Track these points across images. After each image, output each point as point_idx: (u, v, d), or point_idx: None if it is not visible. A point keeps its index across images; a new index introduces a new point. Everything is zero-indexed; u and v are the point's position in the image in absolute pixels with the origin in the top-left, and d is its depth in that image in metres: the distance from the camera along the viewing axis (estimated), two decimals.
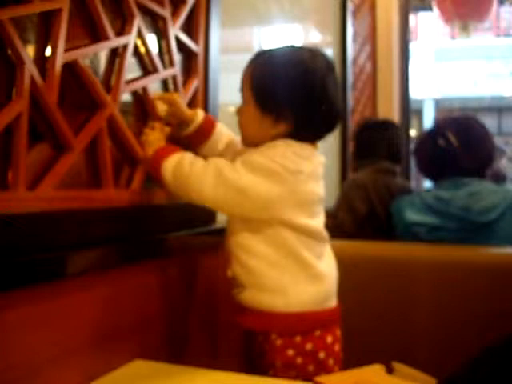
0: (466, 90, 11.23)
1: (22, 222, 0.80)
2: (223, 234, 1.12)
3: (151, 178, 1.09)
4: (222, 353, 1.38)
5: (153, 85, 1.18)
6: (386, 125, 2.29)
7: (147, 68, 1.17)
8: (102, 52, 1.04)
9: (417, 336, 1.50)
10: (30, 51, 0.85)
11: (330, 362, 1.05)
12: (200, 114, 1.17)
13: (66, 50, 0.91)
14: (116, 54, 1.07)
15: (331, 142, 2.68)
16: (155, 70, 1.18)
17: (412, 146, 2.08)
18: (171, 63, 1.24)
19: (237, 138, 1.18)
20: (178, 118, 1.15)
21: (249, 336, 1.11)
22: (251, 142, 1.08)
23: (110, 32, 1.03)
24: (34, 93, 0.84)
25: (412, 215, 1.69)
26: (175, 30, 1.25)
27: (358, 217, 2.00)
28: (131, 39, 1.09)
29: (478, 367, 0.95)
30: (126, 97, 1.11)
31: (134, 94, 1.14)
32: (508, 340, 0.92)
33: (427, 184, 1.95)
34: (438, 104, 11.75)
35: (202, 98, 1.35)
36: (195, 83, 1.33)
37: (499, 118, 12.28)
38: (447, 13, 4.57)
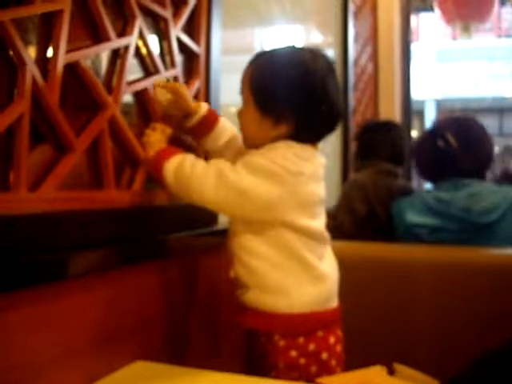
0: (467, 90, 11.22)
1: (23, 223, 0.80)
2: (225, 235, 1.11)
3: (152, 179, 1.09)
4: (224, 354, 1.38)
5: None
6: (389, 126, 2.28)
7: (149, 69, 1.17)
8: (104, 53, 1.04)
9: (417, 337, 1.50)
10: (31, 52, 0.85)
11: (333, 362, 1.05)
12: (204, 106, 1.16)
13: (68, 51, 0.91)
14: (117, 55, 1.07)
15: (333, 142, 2.68)
16: (157, 71, 1.18)
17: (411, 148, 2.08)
18: (173, 64, 1.24)
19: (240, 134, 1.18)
20: (181, 109, 1.15)
21: (251, 337, 1.10)
22: (252, 143, 1.08)
23: (112, 33, 1.03)
24: (35, 94, 0.84)
25: (413, 217, 1.69)
26: (177, 31, 1.25)
27: (357, 218, 2.00)
28: (133, 40, 1.09)
29: (482, 369, 0.95)
30: (127, 98, 1.11)
31: (136, 94, 1.14)
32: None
33: (428, 185, 1.94)
34: (440, 105, 11.75)
35: (204, 99, 1.35)
36: (197, 84, 1.33)
37: (500, 119, 12.27)
38: (449, 13, 4.57)
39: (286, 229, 1.02)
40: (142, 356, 1.04)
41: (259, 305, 1.04)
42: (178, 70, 1.26)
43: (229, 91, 1.44)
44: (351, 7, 2.97)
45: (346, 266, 1.16)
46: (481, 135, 1.75)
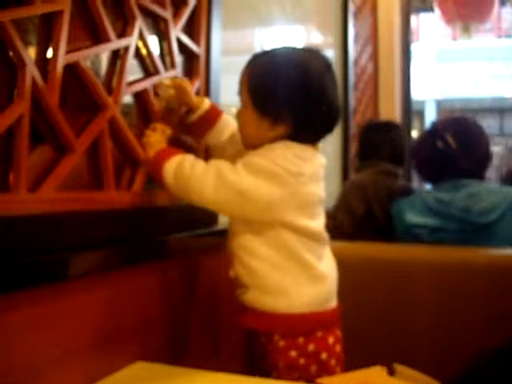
0: (467, 91, 11.22)
1: (23, 223, 0.80)
2: (225, 235, 1.12)
3: (152, 179, 1.09)
4: (224, 354, 1.38)
5: None
6: (389, 126, 2.28)
7: (149, 70, 1.17)
8: (104, 54, 1.04)
9: (416, 337, 1.50)
10: (31, 53, 0.85)
11: (332, 362, 1.05)
12: (206, 102, 1.17)
13: (68, 52, 0.91)
14: (117, 56, 1.07)
15: (333, 142, 2.68)
16: (156, 72, 1.18)
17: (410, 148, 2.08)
18: (172, 65, 1.24)
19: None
20: (184, 104, 1.16)
21: (251, 337, 1.10)
22: (251, 144, 1.08)
23: (112, 34, 1.03)
24: (35, 94, 0.84)
25: (413, 217, 1.69)
26: (176, 32, 1.25)
27: (356, 218, 2.00)
28: (133, 41, 1.09)
29: (484, 369, 0.95)
30: (127, 98, 1.11)
31: (136, 95, 1.14)
32: None
33: (429, 186, 1.94)
34: (440, 105, 11.74)
35: None
36: (197, 85, 1.33)
37: (501, 119, 12.27)
38: (449, 13, 4.57)
39: (286, 229, 1.02)
40: (142, 356, 1.04)
41: (259, 305, 1.04)
42: (178, 71, 1.26)
43: (229, 92, 1.44)
44: (351, 7, 2.97)
45: (345, 266, 1.16)
46: (479, 135, 1.75)
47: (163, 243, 1.14)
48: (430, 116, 11.28)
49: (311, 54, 1.07)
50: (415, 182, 3.33)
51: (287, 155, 1.00)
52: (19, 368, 0.79)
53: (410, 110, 4.09)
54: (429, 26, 11.01)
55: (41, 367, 0.82)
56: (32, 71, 0.83)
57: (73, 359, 0.89)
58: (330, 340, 1.05)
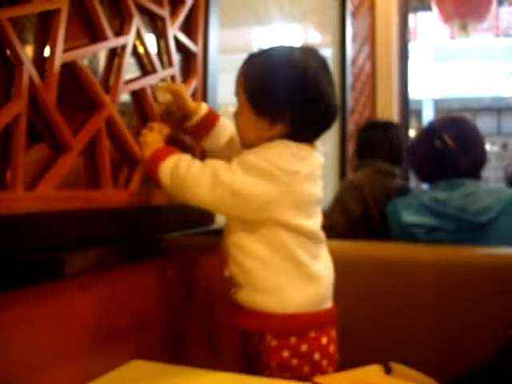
0: (465, 90, 11.24)
1: (20, 222, 0.80)
2: (221, 234, 1.12)
3: (149, 178, 1.09)
4: (221, 353, 1.38)
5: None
6: (387, 126, 2.28)
7: (146, 68, 1.17)
8: (101, 52, 1.04)
9: (415, 337, 1.50)
10: (28, 51, 0.85)
11: (324, 363, 1.04)
12: (204, 107, 1.16)
13: (65, 51, 0.91)
14: (115, 54, 1.07)
15: (330, 142, 2.69)
16: (154, 70, 1.18)
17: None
18: (170, 63, 1.24)
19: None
20: (181, 109, 1.15)
21: (245, 336, 1.11)
22: (249, 144, 1.07)
23: (109, 32, 1.03)
24: (32, 93, 0.84)
25: (409, 216, 1.69)
26: (174, 30, 1.25)
27: (351, 218, 1.99)
28: (130, 39, 1.09)
29: (484, 369, 0.95)
30: (124, 97, 1.11)
31: (133, 94, 1.14)
32: None
33: (425, 185, 1.94)
34: (438, 104, 11.77)
35: (201, 98, 1.35)
36: (194, 83, 1.33)
37: (498, 119, 12.29)
38: (446, 12, 4.57)
39: (281, 228, 1.02)
40: (139, 355, 1.04)
41: (251, 304, 1.04)
42: (176, 69, 1.25)
43: (226, 90, 1.44)
44: (349, 7, 2.97)
45: (343, 266, 1.16)
46: (474, 135, 1.76)
47: (160, 242, 1.14)
48: (428, 115, 11.31)
49: (308, 53, 1.06)
50: (412, 182, 3.34)
51: (283, 154, 1.00)
52: (15, 366, 0.78)
53: (407, 109, 4.09)
54: (426, 25, 11.03)
55: (37, 365, 0.82)
56: (29, 70, 0.83)
57: (70, 357, 0.89)
58: (324, 340, 1.05)
